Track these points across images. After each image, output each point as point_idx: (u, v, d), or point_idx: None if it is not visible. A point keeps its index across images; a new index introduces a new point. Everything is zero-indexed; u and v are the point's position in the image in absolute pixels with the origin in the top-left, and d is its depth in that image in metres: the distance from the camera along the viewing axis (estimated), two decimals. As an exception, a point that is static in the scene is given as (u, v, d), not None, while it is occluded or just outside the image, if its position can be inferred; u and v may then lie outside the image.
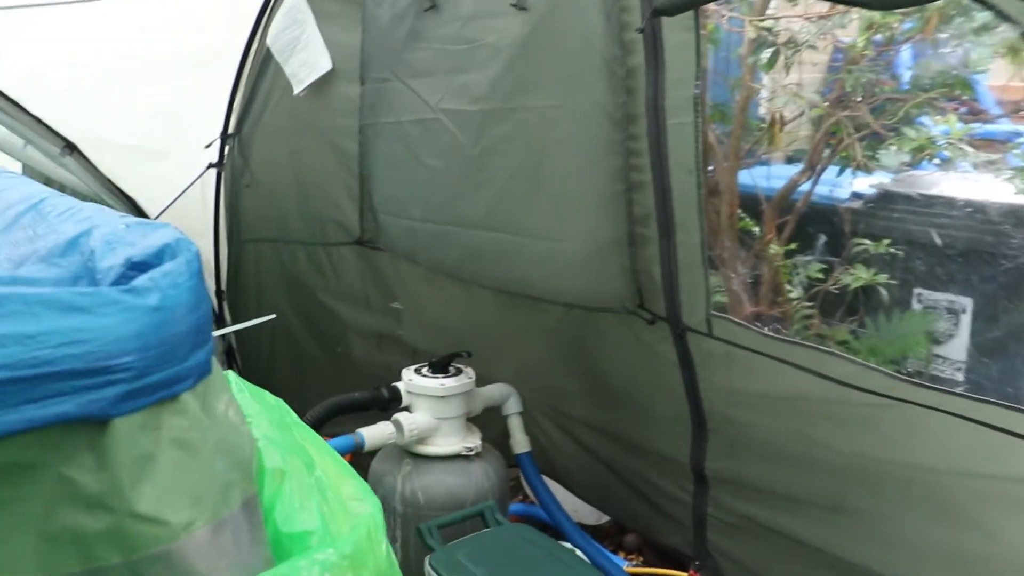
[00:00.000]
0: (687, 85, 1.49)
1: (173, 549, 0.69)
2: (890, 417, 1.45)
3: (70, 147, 2.51)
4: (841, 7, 1.73)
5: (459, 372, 2.06)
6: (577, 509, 2.38)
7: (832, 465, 1.58)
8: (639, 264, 1.73)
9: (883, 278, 2.07)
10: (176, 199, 2.75)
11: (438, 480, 1.98)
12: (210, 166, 2.77)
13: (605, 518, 2.44)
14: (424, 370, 2.05)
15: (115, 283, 0.67)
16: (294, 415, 0.92)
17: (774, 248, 2.18)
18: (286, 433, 0.84)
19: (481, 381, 2.09)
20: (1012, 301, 2.10)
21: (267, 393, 0.91)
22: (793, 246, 2.21)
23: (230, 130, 2.73)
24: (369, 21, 2.18)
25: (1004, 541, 1.34)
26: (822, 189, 2.29)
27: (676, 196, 1.60)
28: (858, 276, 2.02)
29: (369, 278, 2.53)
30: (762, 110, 2.47)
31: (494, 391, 2.15)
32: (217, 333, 1.50)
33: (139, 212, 2.79)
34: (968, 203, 2.11)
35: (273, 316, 2.45)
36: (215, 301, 2.97)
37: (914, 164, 1.91)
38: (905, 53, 2.22)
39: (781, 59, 1.96)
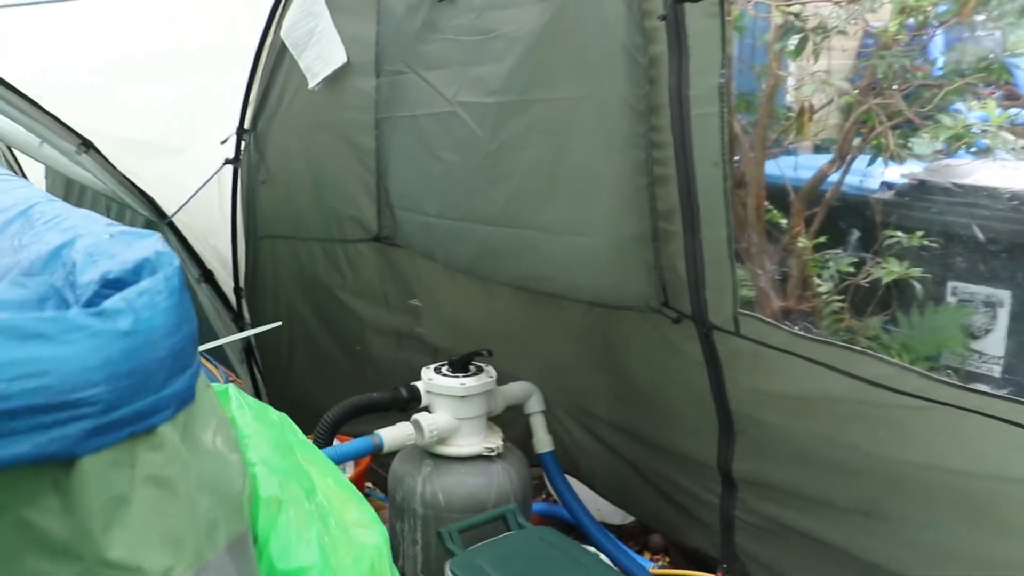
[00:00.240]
0: (712, 74, 1.43)
1: (150, 599, 0.62)
2: (926, 420, 1.39)
3: (86, 145, 2.50)
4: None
5: (480, 371, 2.02)
6: (600, 509, 2.34)
7: (864, 469, 1.52)
8: (663, 261, 1.67)
9: (917, 271, 1.99)
10: (193, 196, 2.73)
11: (459, 482, 1.95)
12: (227, 162, 2.75)
13: (630, 518, 2.40)
14: (444, 369, 2.02)
15: (88, 303, 0.61)
16: (297, 431, 0.87)
17: (802, 241, 2.11)
18: (287, 454, 0.79)
19: (502, 379, 2.06)
20: (1053, 294, 2.02)
21: (270, 408, 0.86)
22: (822, 239, 2.14)
23: (246, 125, 2.70)
24: (383, 12, 2.14)
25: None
26: (852, 180, 2.21)
27: (701, 190, 1.54)
28: (890, 270, 1.95)
29: (387, 275, 2.50)
30: (788, 98, 2.40)
31: (516, 389, 2.12)
32: (209, 345, 1.47)
33: (156, 209, 2.78)
34: (1007, 192, 2.03)
35: (279, 324, 2.44)
36: (233, 298, 2.95)
37: (951, 153, 1.83)
38: (939, 38, 2.14)
39: (809, 45, 1.88)
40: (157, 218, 2.78)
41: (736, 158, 2.08)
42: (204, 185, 2.72)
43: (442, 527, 1.76)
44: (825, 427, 1.55)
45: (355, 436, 2.42)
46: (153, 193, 2.77)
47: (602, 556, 1.77)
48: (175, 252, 0.67)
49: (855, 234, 2.16)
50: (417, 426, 1.94)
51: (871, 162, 2.14)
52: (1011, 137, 1.70)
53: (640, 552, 2.37)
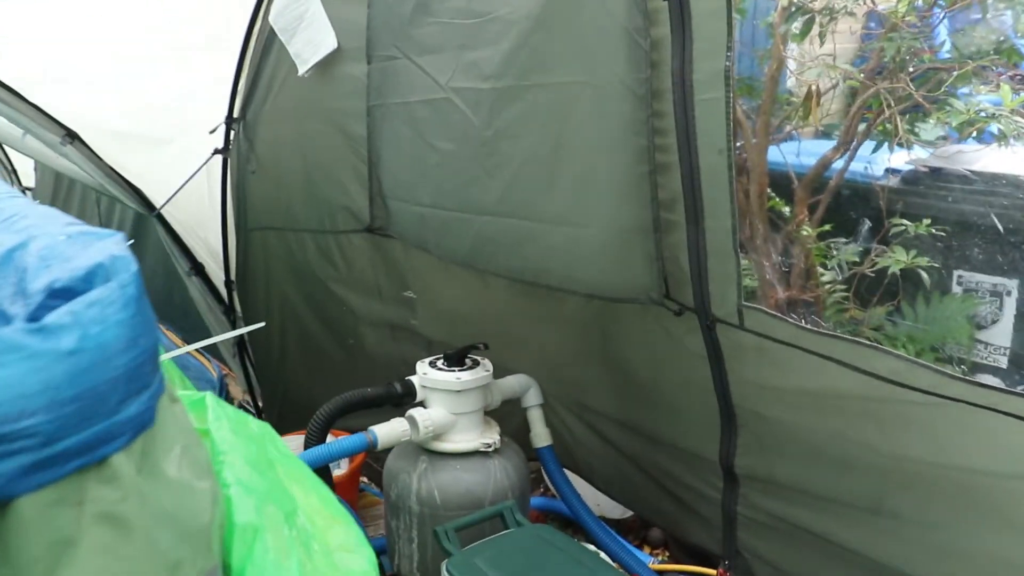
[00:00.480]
0: (717, 57, 1.37)
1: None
2: (938, 417, 1.35)
3: (71, 136, 2.43)
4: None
5: (476, 364, 1.98)
6: (600, 503, 2.31)
7: (872, 465, 1.49)
8: (665, 251, 1.62)
9: (924, 261, 1.95)
10: (182, 187, 2.67)
11: (455, 478, 1.91)
12: (216, 152, 2.69)
13: (629, 512, 2.37)
14: (439, 363, 1.98)
15: (32, 317, 0.53)
16: (280, 443, 0.81)
17: (806, 230, 2.06)
18: (266, 472, 0.72)
19: (499, 373, 2.02)
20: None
21: (250, 419, 0.80)
22: (827, 227, 2.09)
23: (235, 114, 2.64)
24: (374, -5, 2.08)
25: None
26: (856, 166, 2.16)
27: (705, 178, 1.48)
28: (897, 259, 1.90)
29: (381, 267, 2.44)
30: (790, 83, 2.34)
31: (513, 383, 2.08)
32: (192, 347, 1.41)
33: (144, 202, 2.72)
34: (1017, 179, 1.98)
35: (262, 324, 2.40)
36: (224, 292, 2.90)
37: (963, 138, 1.78)
38: (946, 19, 2.08)
39: (815, 27, 1.82)
40: (145, 210, 2.72)
41: (739, 144, 2.03)
42: (193, 176, 2.66)
43: (438, 525, 1.73)
44: (832, 423, 1.51)
45: (348, 431, 2.39)
46: (141, 185, 2.70)
47: (602, 554, 1.73)
48: (131, 255, 0.60)
49: (860, 223, 2.11)
50: (412, 422, 1.91)
51: (876, 148, 2.09)
52: (1024, 121, 1.65)
53: (640, 547, 2.35)
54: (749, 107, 2.13)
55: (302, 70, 2.29)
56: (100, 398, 0.55)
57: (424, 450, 1.95)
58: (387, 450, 1.97)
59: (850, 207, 2.18)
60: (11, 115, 2.37)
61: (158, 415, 0.62)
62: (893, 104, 1.67)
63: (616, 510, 2.36)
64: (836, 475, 1.56)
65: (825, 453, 1.56)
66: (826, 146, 2.19)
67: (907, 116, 1.79)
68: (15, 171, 4.97)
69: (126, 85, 2.54)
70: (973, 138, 1.85)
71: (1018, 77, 1.72)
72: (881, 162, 2.15)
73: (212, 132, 2.64)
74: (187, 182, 2.65)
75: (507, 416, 2.09)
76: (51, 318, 0.53)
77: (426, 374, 1.95)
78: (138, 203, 2.70)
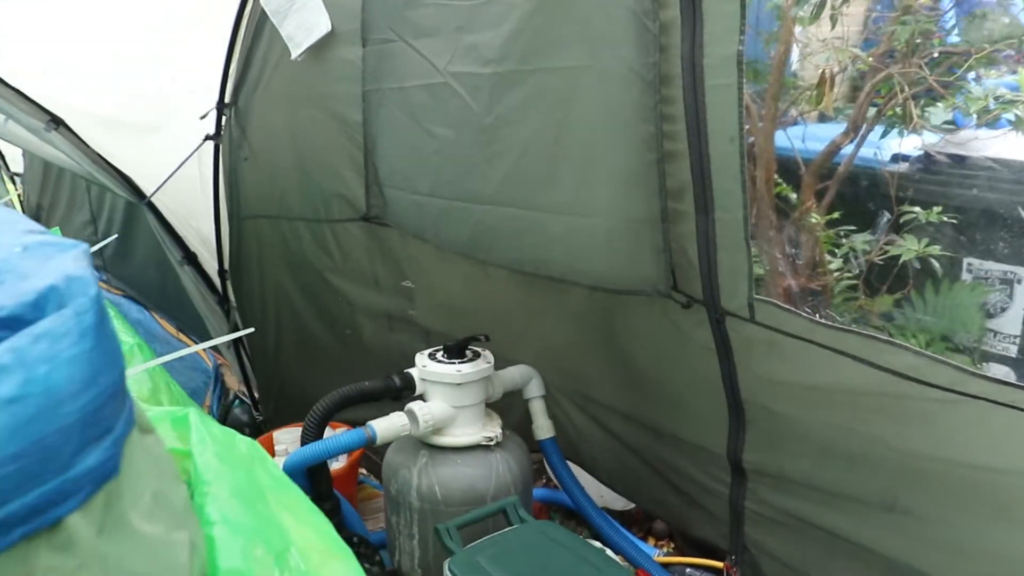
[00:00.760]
0: (730, 41, 1.31)
1: None
2: (955, 414, 1.31)
3: (56, 121, 2.36)
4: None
5: (476, 356, 1.94)
6: (603, 495, 2.28)
7: (886, 462, 1.45)
8: (672, 243, 1.57)
9: (935, 249, 1.90)
10: (172, 174, 2.60)
11: (456, 473, 1.88)
12: (207, 138, 2.61)
13: (633, 504, 2.34)
14: (439, 355, 1.94)
15: None
16: (270, 464, 0.74)
17: (814, 217, 2.02)
18: (255, 503, 0.64)
19: (500, 364, 1.98)
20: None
21: (237, 438, 0.73)
22: (835, 215, 2.04)
23: (227, 99, 2.57)
24: (369, -24, 2.01)
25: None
26: (865, 152, 2.10)
27: (715, 167, 1.43)
28: (908, 248, 1.85)
29: (377, 256, 2.39)
30: (796, 66, 2.29)
31: (514, 374, 2.05)
32: (173, 356, 1.36)
33: (134, 189, 2.65)
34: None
35: (252, 330, 2.35)
36: (218, 281, 2.84)
37: (980, 124, 1.73)
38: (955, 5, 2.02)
39: (826, 10, 1.76)
40: (135, 198, 2.65)
41: (745, 127, 1.97)
42: (184, 163, 2.58)
43: (440, 523, 1.69)
44: (845, 419, 1.47)
45: (347, 422, 2.34)
46: (131, 172, 2.63)
47: (608, 551, 1.70)
48: (92, 274, 0.51)
49: (871, 211, 2.06)
50: (411, 416, 1.87)
51: (885, 133, 2.04)
52: (1042, 107, 1.59)
53: (644, 538, 2.32)
54: (755, 91, 2.07)
55: (295, 54, 2.22)
56: (49, 451, 0.46)
57: (424, 444, 1.91)
58: (387, 444, 1.93)
59: (859, 194, 2.13)
60: (-7, 101, 2.30)
61: (125, 459, 0.53)
62: (907, 88, 1.61)
63: (619, 501, 2.33)
64: (847, 471, 1.52)
65: (836, 449, 1.52)
66: (831, 131, 2.14)
67: (921, 102, 1.74)
68: (2, 156, 4.88)
69: (113, 70, 2.46)
70: (990, 123, 1.80)
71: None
72: (891, 148, 2.10)
73: (203, 118, 2.57)
74: (177, 169, 2.58)
75: (509, 408, 2.05)
76: None
77: (425, 367, 1.91)
78: (127, 191, 2.63)
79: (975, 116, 1.66)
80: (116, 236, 3.55)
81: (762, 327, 1.51)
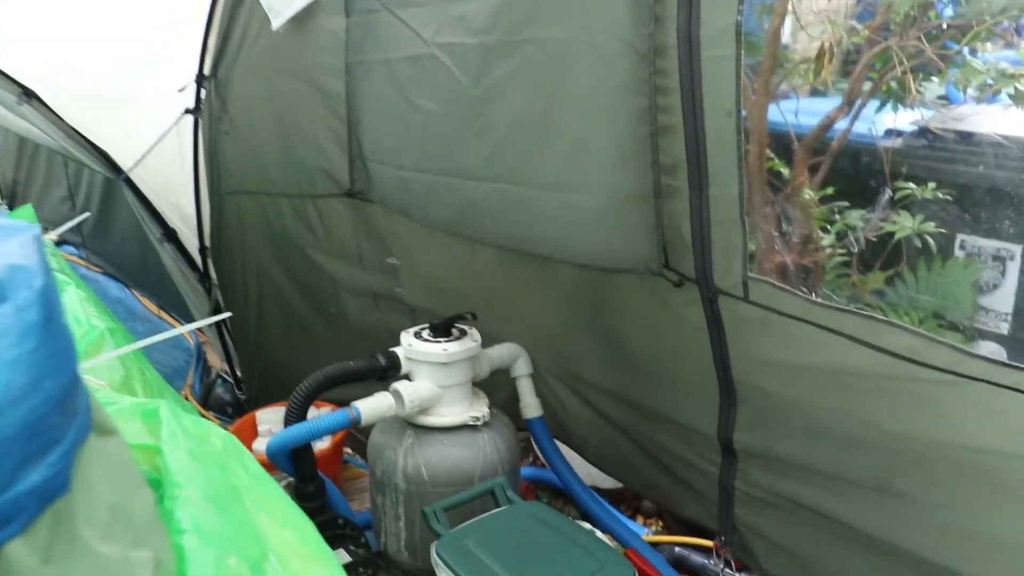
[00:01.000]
0: (728, 11, 1.26)
1: None
2: (953, 396, 1.29)
3: (28, 94, 2.28)
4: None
5: (463, 335, 1.91)
6: (591, 473, 2.26)
7: (881, 444, 1.43)
8: (665, 219, 1.53)
9: (930, 226, 1.87)
10: (151, 149, 2.53)
11: (443, 453, 1.85)
12: (186, 112, 2.54)
13: (621, 483, 2.33)
14: (425, 333, 1.91)
15: None
16: (247, 458, 0.70)
17: (807, 193, 1.98)
18: (230, 505, 0.59)
19: (487, 342, 1.94)
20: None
21: (213, 430, 0.68)
22: (829, 191, 2.01)
23: (206, 71, 2.49)
24: (353, -57, 1.94)
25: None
26: (859, 127, 2.07)
27: (711, 142, 1.39)
28: (902, 225, 1.82)
29: (362, 233, 2.34)
30: (790, 38, 2.24)
31: (502, 352, 2.02)
32: (149, 341, 1.31)
33: (111, 164, 2.58)
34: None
35: (229, 314, 2.30)
36: (199, 258, 2.78)
37: (981, 99, 1.69)
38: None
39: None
40: (112, 174, 2.58)
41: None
42: (162, 137, 2.51)
43: (426, 504, 1.67)
44: (840, 400, 1.45)
45: (332, 401, 2.30)
46: (108, 147, 2.56)
47: (598, 533, 1.68)
48: (40, 262, 0.44)
49: (865, 187, 2.03)
50: (397, 396, 1.84)
51: (880, 108, 2.00)
52: (1041, 81, 1.56)
53: (633, 517, 2.32)
54: (748, 64, 2.02)
55: (276, 24, 2.15)
56: (-16, 470, 0.38)
57: (410, 424, 1.89)
58: (372, 424, 1.90)
59: (853, 169, 2.09)
60: (-38, 73, 2.22)
61: (78, 471, 0.46)
62: (906, 62, 1.57)
63: (608, 480, 2.32)
64: (841, 453, 1.50)
65: (830, 430, 1.50)
66: (823, 105, 2.10)
67: (919, 76, 1.70)
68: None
69: (88, 38, 2.39)
70: (975, 99, 1.76)
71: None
72: (885, 123, 2.06)
73: (181, 91, 2.50)
74: (156, 144, 2.51)
75: (496, 387, 2.02)
76: None
77: (411, 345, 1.87)
78: (104, 166, 2.56)
79: (971, 91, 1.62)
80: (88, 214, 3.47)
81: (756, 306, 1.48)
